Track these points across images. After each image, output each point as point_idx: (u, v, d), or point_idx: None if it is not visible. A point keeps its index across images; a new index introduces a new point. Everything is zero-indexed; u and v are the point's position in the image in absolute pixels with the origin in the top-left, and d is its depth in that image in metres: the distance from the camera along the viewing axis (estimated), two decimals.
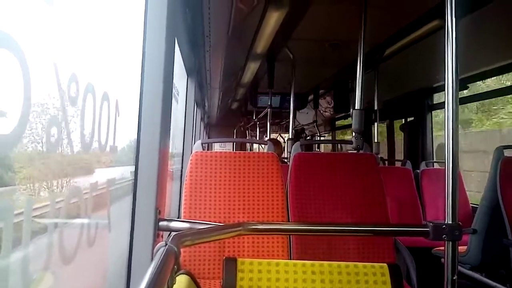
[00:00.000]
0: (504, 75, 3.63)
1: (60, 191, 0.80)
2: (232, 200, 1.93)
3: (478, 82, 3.70)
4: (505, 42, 2.61)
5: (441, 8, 1.14)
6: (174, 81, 1.62)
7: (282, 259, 1.79)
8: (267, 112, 4.04)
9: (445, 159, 1.11)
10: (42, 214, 0.72)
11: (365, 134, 2.16)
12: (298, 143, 2.17)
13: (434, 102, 4.02)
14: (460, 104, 1.13)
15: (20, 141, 0.63)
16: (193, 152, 2.01)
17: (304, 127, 8.21)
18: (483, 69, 3.10)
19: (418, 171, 3.67)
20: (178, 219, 1.40)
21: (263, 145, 3.28)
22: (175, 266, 0.75)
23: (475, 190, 4.48)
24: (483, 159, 5.08)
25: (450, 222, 1.09)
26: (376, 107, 3.47)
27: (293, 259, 1.84)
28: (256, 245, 1.89)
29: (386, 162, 4.45)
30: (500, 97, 4.66)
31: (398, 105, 4.40)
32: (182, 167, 3.14)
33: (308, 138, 8.61)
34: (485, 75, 3.21)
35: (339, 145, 6.97)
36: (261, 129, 7.11)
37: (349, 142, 2.19)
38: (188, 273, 0.96)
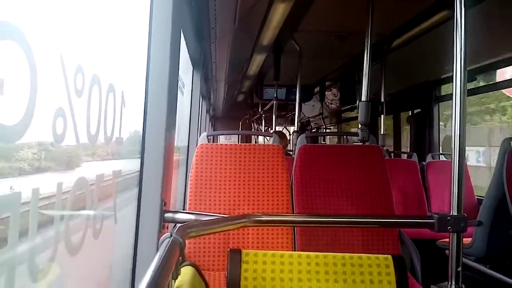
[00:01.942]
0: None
1: None
2: (237, 192, 1.94)
3: None
4: None
5: None
6: (179, 73, 1.62)
7: (287, 250, 1.80)
8: (273, 104, 4.03)
9: (451, 151, 1.11)
10: None
11: (371, 126, 2.15)
12: (303, 135, 2.17)
13: (442, 94, 3.99)
14: (468, 96, 1.12)
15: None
16: (198, 144, 2.01)
17: (310, 119, 8.19)
18: (492, 60, 3.06)
19: (424, 163, 3.66)
20: (183, 211, 1.41)
21: (268, 138, 3.30)
22: (180, 258, 0.76)
23: None
24: None
25: (456, 214, 1.08)
26: (382, 99, 3.44)
27: (297, 251, 1.85)
28: (260, 237, 1.90)
29: (392, 154, 4.44)
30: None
31: (405, 97, 4.37)
32: (187, 159, 3.16)
33: (313, 130, 8.58)
34: (494, 66, 3.17)
35: (345, 137, 6.95)
36: (266, 122, 7.11)
37: (355, 134, 2.18)
38: (192, 265, 0.97)
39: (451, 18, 1.14)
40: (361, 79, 2.12)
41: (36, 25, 0.66)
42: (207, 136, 2.10)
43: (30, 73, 0.63)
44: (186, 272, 0.93)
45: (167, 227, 1.23)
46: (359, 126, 2.10)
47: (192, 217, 1.25)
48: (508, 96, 5.39)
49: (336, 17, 2.71)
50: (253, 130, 8.46)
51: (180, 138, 3.02)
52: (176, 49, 1.26)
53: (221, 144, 2.02)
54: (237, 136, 7.89)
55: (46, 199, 0.71)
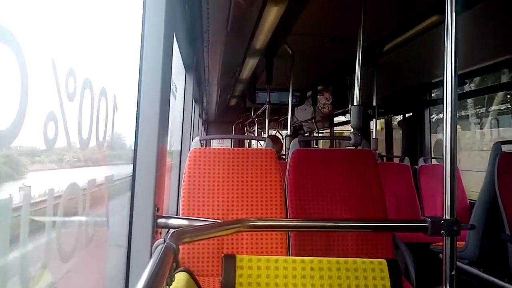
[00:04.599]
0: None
1: None
2: (230, 196, 1.93)
3: None
4: (504, 38, 2.61)
5: (440, 3, 1.13)
6: (172, 77, 1.61)
7: (281, 255, 1.79)
8: (266, 108, 4.03)
9: (443, 155, 1.11)
10: None
11: (363, 130, 2.16)
12: (296, 139, 2.17)
13: (433, 98, 4.03)
14: (458, 100, 1.13)
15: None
16: (191, 148, 2.00)
17: (303, 123, 8.21)
18: (482, 65, 3.10)
19: (416, 167, 3.68)
20: (177, 216, 1.40)
21: (261, 142, 3.33)
22: (174, 264, 0.75)
23: None
24: None
25: (448, 218, 1.09)
26: (374, 103, 3.46)
27: (292, 256, 1.84)
28: (255, 242, 1.89)
29: (385, 158, 4.46)
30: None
31: (396, 101, 4.39)
32: (180, 164, 3.14)
33: (306, 134, 8.60)
34: (483, 70, 3.21)
35: (337, 141, 6.97)
36: (259, 126, 7.11)
37: (347, 138, 2.18)
38: (187, 271, 0.95)
39: (442, 22, 1.14)
40: (353, 83, 2.13)
41: (27, 28, 0.65)
42: (200, 140, 2.09)
43: (21, 76, 0.62)
44: (181, 278, 0.92)
45: (160, 233, 1.21)
46: (352, 130, 2.11)
47: (185, 222, 1.24)
48: None
49: (328, 20, 2.72)
50: (246, 134, 8.45)
51: (173, 142, 3.00)
52: (168, 53, 1.25)
53: (214, 149, 2.01)
54: (230, 140, 7.87)
55: None
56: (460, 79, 1.11)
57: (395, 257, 1.86)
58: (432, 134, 4.04)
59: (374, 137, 3.55)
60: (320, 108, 6.46)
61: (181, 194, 1.91)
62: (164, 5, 1.18)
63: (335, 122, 6.94)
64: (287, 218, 1.92)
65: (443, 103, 1.12)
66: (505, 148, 2.42)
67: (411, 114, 4.21)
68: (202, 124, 7.26)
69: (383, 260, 1.18)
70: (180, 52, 2.59)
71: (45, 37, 0.71)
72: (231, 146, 7.36)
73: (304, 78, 4.59)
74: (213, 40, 2.56)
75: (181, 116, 3.18)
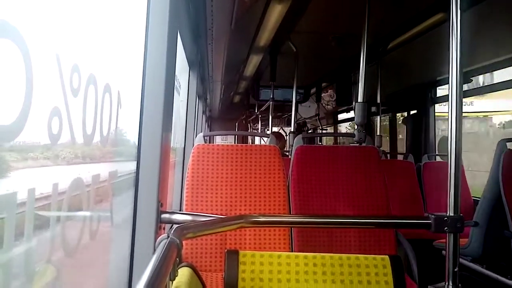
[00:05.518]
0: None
1: None
2: (234, 192, 1.93)
3: None
4: (510, 35, 2.59)
5: (445, 0, 1.13)
6: (176, 73, 1.62)
7: (284, 251, 1.80)
8: (269, 105, 4.03)
9: (448, 152, 1.11)
10: None
11: (367, 127, 2.16)
12: (300, 136, 2.17)
13: (438, 95, 4.01)
14: (463, 98, 1.13)
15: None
16: (195, 145, 2.01)
17: (306, 120, 8.19)
18: (488, 62, 3.08)
19: (420, 164, 3.67)
20: (180, 212, 1.41)
21: (265, 139, 3.31)
22: (177, 259, 0.76)
23: None
24: None
25: (452, 214, 1.09)
26: (378, 100, 3.45)
27: (294, 252, 1.84)
28: (257, 238, 1.89)
29: (388, 155, 4.45)
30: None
31: (401, 98, 4.38)
32: (184, 160, 3.15)
33: (310, 131, 8.59)
34: (489, 68, 3.19)
35: (341, 138, 6.96)
36: (263, 123, 7.11)
37: (351, 135, 2.19)
38: (190, 266, 0.96)
39: (446, 20, 1.14)
40: (357, 80, 2.13)
41: (32, 24, 0.65)
42: (204, 136, 2.10)
43: (25, 72, 0.62)
44: (184, 273, 0.92)
45: (164, 228, 1.22)
46: (356, 127, 2.11)
47: (189, 218, 1.25)
48: None
49: (333, 18, 2.71)
50: (249, 131, 8.45)
51: (176, 139, 3.01)
52: (172, 50, 1.26)
53: (218, 145, 2.02)
54: (233, 137, 7.88)
55: None
56: (465, 77, 1.11)
57: (397, 254, 1.86)
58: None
59: (378, 134, 3.54)
60: (324, 105, 6.44)
61: (185, 190, 1.92)
62: (168, 2, 1.19)
63: (339, 119, 6.92)
64: (290, 214, 1.92)
65: (448, 101, 1.12)
66: (510, 145, 2.41)
67: (415, 111, 4.20)
68: (206, 121, 7.27)
69: (386, 257, 1.18)
70: (184, 49, 2.59)
71: (50, 33, 0.71)
72: (235, 143, 7.36)
73: (308, 75, 4.58)
74: (217, 37, 2.56)
75: (185, 112, 3.19)
